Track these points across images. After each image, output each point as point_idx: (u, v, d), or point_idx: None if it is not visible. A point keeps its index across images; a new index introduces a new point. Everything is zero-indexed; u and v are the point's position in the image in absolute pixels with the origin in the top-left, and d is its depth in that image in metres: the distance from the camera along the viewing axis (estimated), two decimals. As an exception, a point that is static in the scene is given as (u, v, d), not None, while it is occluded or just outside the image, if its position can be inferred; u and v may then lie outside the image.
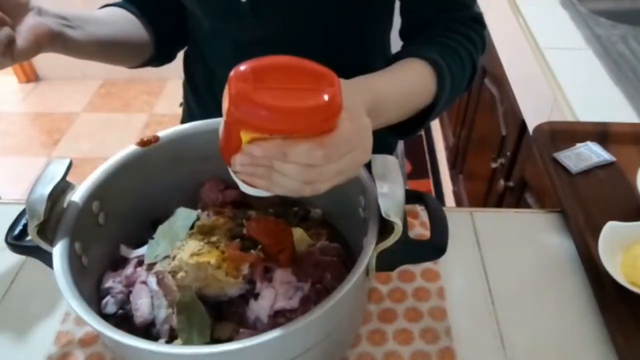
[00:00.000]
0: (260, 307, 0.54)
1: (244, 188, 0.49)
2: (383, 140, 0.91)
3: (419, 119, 0.68)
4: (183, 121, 0.93)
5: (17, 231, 0.55)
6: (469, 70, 0.71)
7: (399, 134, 0.71)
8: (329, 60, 0.55)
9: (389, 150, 0.94)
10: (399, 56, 0.67)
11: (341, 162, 0.46)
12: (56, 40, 0.62)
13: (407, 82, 0.64)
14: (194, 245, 0.57)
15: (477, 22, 0.74)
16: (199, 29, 0.80)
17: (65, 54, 0.66)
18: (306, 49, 0.62)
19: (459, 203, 1.97)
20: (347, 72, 0.55)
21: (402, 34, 0.75)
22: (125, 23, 0.75)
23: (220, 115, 0.45)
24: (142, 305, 0.55)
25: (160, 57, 0.82)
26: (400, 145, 1.00)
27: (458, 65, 0.68)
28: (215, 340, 0.53)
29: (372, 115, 0.53)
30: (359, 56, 0.78)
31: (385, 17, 0.80)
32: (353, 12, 0.74)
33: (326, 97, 0.41)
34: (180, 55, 0.89)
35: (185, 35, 0.85)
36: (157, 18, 0.78)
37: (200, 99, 0.87)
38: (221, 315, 0.55)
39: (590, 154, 0.82)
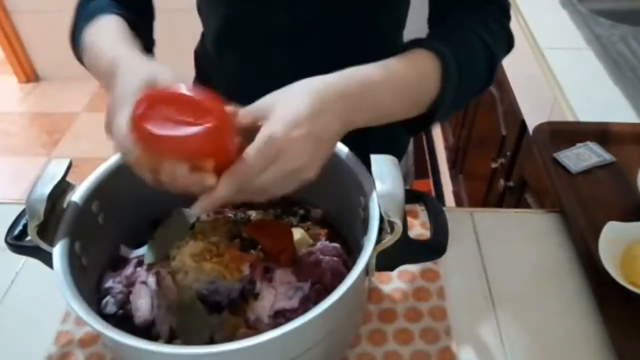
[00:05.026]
0: (260, 307, 0.54)
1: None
2: (396, 140, 0.92)
3: (429, 114, 0.63)
4: None
5: (17, 231, 0.55)
6: (484, 61, 0.66)
7: (410, 130, 0.67)
8: (348, 55, 0.56)
9: (402, 149, 0.94)
10: (405, 48, 0.63)
11: (260, 180, 0.48)
12: None
13: (407, 70, 0.59)
14: (194, 245, 0.57)
15: (501, 10, 0.70)
16: (219, 27, 0.80)
17: None
18: (325, 46, 0.62)
19: (459, 203, 1.97)
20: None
21: (428, 21, 0.73)
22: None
23: None
24: (142, 305, 0.55)
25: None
26: (410, 145, 1.00)
27: (468, 56, 0.63)
28: (215, 340, 0.53)
29: (361, 108, 0.53)
30: (374, 50, 0.76)
31: (401, 14, 0.80)
32: (374, 8, 0.73)
33: (196, 130, 0.45)
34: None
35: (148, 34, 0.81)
36: (142, 19, 0.75)
37: None
38: (221, 315, 0.55)
39: (590, 154, 0.82)
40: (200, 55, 0.90)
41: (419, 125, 0.64)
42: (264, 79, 0.51)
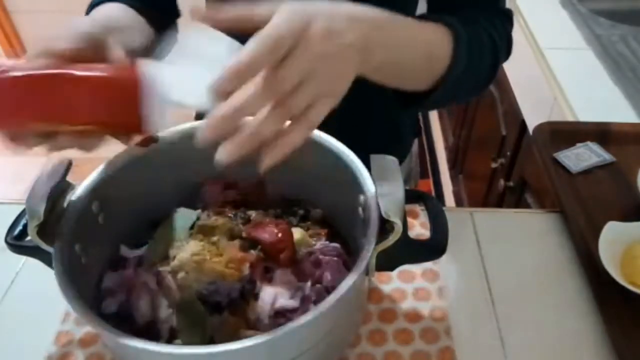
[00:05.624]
0: (261, 307, 0.54)
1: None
2: (398, 141, 0.92)
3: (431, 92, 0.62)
4: (197, 115, 0.93)
5: (17, 231, 0.55)
6: (490, 54, 0.66)
7: (405, 106, 0.65)
8: None
9: (404, 151, 0.94)
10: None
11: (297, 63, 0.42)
12: None
13: (423, 28, 0.58)
14: (194, 245, 0.57)
15: (506, 16, 0.72)
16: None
17: None
18: None
19: (459, 203, 1.97)
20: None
21: None
22: (141, 25, 0.70)
23: None
24: (142, 305, 0.55)
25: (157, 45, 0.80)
26: (415, 146, 1.00)
27: (477, 43, 0.63)
28: (215, 340, 0.53)
29: (376, 37, 0.49)
30: None
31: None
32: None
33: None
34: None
35: (176, 14, 0.82)
36: (157, 12, 0.77)
37: None
38: (221, 315, 0.55)
39: (590, 154, 0.83)
40: None
41: (414, 101, 0.63)
42: None
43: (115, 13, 0.66)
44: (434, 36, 0.59)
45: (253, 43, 0.41)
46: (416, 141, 1.00)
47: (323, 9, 0.45)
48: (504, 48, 0.70)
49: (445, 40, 0.60)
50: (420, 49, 0.57)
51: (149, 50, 0.73)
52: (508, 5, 0.73)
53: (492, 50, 0.66)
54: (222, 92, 0.41)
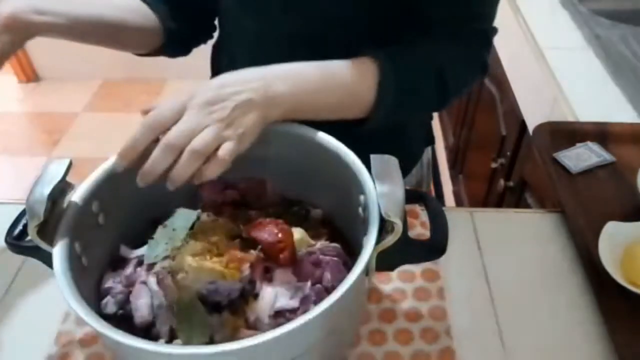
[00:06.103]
0: (260, 307, 0.54)
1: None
2: (408, 147, 0.91)
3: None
4: None
5: (17, 231, 0.55)
6: (431, 81, 0.67)
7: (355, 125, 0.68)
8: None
9: (416, 157, 0.94)
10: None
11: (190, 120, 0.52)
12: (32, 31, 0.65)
13: (334, 69, 0.63)
14: (194, 245, 0.57)
15: (482, 38, 0.71)
16: (225, 20, 0.81)
17: (49, 37, 0.68)
18: (325, 50, 0.63)
19: (459, 203, 1.97)
20: None
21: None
22: (120, 8, 0.74)
23: None
24: (142, 306, 0.55)
25: (173, 47, 0.81)
26: (427, 153, 1.00)
27: (412, 70, 0.66)
28: (215, 340, 0.53)
29: (276, 89, 0.57)
30: None
31: None
32: (383, 27, 0.72)
33: None
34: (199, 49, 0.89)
35: (207, 30, 0.85)
36: (176, 8, 0.78)
37: None
38: (221, 315, 0.55)
39: (590, 154, 0.83)
40: (217, 52, 0.90)
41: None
42: None
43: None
44: (348, 74, 0.63)
45: (138, 126, 0.53)
46: (429, 149, 0.99)
47: (211, 85, 0.56)
48: (464, 75, 0.71)
49: (366, 75, 0.63)
50: (333, 89, 0.63)
51: (152, 42, 0.79)
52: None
53: (436, 78, 0.67)
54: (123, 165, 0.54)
